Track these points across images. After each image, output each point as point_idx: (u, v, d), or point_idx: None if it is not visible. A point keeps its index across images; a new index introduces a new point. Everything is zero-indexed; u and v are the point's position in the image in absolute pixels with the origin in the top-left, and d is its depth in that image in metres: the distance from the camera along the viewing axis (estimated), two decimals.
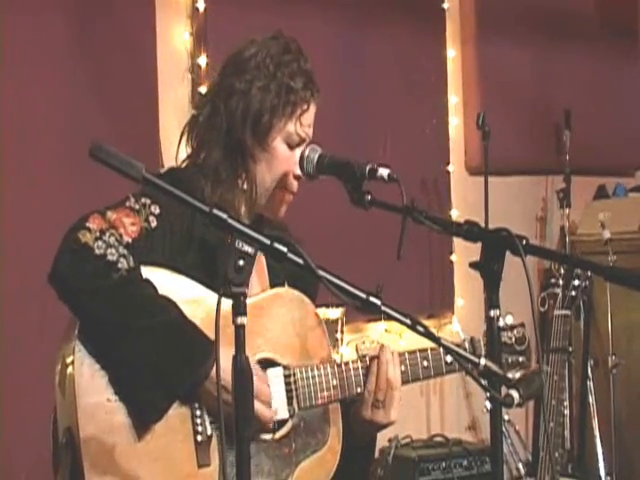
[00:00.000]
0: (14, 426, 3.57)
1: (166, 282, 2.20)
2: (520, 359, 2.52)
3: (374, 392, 2.33)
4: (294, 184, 2.36)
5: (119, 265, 2.11)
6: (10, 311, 3.55)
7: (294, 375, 2.29)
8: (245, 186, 2.34)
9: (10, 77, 3.69)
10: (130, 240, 2.15)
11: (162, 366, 2.11)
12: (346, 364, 2.35)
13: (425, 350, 2.42)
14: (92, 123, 3.82)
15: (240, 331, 1.78)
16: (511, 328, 2.53)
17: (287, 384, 2.28)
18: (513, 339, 2.52)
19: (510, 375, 2.44)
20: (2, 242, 3.63)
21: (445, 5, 4.92)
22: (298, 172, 2.34)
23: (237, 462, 1.80)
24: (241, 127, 2.31)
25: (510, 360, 2.51)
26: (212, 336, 2.13)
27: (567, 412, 4.52)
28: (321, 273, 1.83)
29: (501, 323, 2.49)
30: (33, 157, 3.74)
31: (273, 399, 2.25)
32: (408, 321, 1.84)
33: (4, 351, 3.60)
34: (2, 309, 3.59)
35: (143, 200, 2.21)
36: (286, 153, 2.34)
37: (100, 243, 2.11)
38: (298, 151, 2.35)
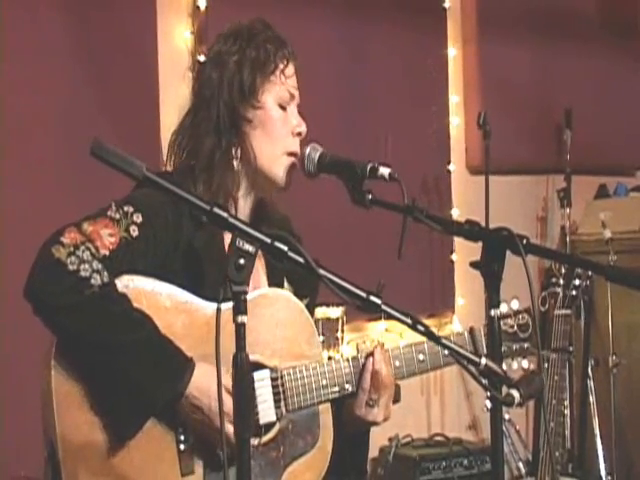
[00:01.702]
0: (13, 424, 3.57)
1: (148, 289, 2.18)
2: (525, 346, 2.48)
3: (368, 391, 2.31)
4: (294, 143, 2.33)
5: (92, 281, 2.08)
6: (10, 311, 3.55)
7: (282, 377, 2.26)
8: (242, 164, 2.31)
9: (10, 76, 3.69)
10: (107, 253, 2.12)
11: (136, 384, 2.10)
12: (336, 363, 2.33)
13: (421, 343, 2.38)
14: (93, 122, 3.82)
15: (240, 329, 1.78)
16: (515, 314, 2.50)
17: (274, 387, 2.25)
18: (515, 326, 2.50)
19: (516, 363, 2.44)
20: (2, 242, 3.63)
21: (446, 4, 4.92)
22: (298, 129, 2.33)
23: (237, 465, 1.79)
24: (230, 98, 2.29)
25: (515, 347, 2.48)
26: (197, 342, 2.15)
27: (567, 412, 4.52)
28: (322, 272, 1.82)
29: (505, 308, 2.47)
30: (33, 157, 3.74)
31: (259, 403, 2.24)
32: (409, 320, 1.83)
33: (4, 351, 3.60)
34: (2, 309, 3.59)
35: (125, 208, 2.18)
36: (279, 113, 2.32)
37: (73, 258, 2.08)
38: (291, 108, 2.33)
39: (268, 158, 2.31)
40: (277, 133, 2.32)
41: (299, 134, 2.34)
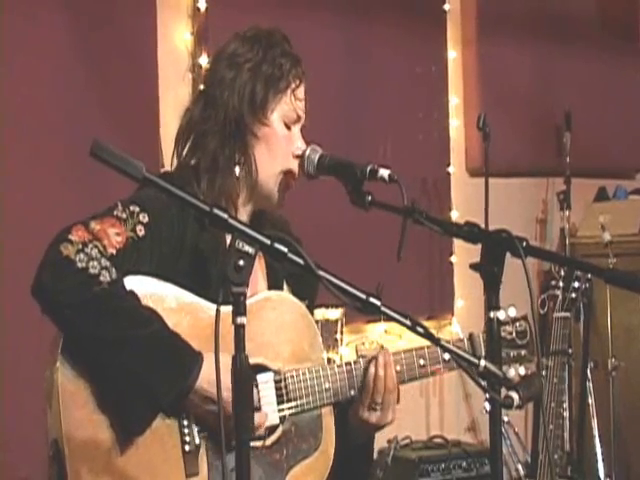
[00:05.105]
0: (14, 424, 3.57)
1: (153, 290, 2.18)
2: (522, 353, 2.50)
3: (371, 394, 2.31)
4: (293, 163, 2.34)
5: (101, 278, 2.09)
6: (10, 311, 3.56)
7: (285, 380, 2.27)
8: (243, 173, 2.32)
9: (11, 76, 3.69)
10: (114, 251, 2.13)
11: (145, 379, 2.10)
12: (339, 366, 2.33)
13: (422, 348, 2.39)
14: (93, 122, 3.82)
15: (240, 331, 1.78)
16: (513, 321, 2.51)
17: (278, 389, 2.26)
18: (514, 333, 2.50)
19: (513, 369, 2.44)
20: (2, 242, 3.63)
21: (446, 7, 4.92)
22: (298, 152, 2.34)
23: (237, 466, 1.78)
24: (239, 107, 2.30)
25: (512, 354, 2.48)
26: (202, 343, 2.14)
27: (567, 414, 4.52)
28: (321, 273, 1.82)
29: (503, 316, 2.47)
30: (33, 157, 3.74)
31: (263, 405, 2.24)
32: (408, 322, 1.84)
33: (4, 351, 3.60)
34: (2, 309, 3.59)
35: (132, 208, 2.19)
36: (284, 132, 2.33)
37: (82, 256, 2.08)
38: (296, 128, 2.35)
39: (267, 174, 2.33)
40: (279, 152, 2.33)
41: (298, 156, 2.35)
